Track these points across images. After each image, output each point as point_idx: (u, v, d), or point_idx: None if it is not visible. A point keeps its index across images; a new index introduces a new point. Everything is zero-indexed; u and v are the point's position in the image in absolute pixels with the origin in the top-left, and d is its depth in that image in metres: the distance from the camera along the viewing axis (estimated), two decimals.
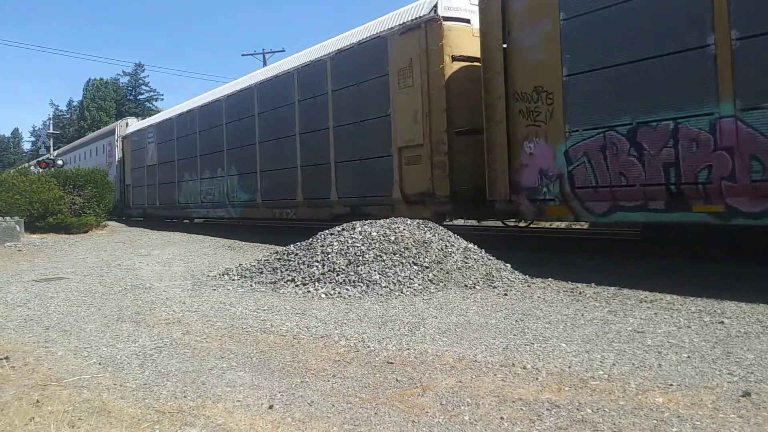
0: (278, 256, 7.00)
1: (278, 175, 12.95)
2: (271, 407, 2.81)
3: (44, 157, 31.81)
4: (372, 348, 3.79)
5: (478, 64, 8.11)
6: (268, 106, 13.34)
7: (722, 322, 4.13)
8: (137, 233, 16.49)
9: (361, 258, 6.22)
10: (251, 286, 6.31)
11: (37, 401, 2.94)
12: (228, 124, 15.22)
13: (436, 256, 6.27)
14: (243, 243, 12.10)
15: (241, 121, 14.45)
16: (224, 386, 3.12)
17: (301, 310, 5.09)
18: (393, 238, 6.52)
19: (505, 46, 7.49)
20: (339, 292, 5.69)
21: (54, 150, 42.20)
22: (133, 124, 24.42)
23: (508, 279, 6.11)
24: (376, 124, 9.89)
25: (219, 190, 15.74)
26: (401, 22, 9.31)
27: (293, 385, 3.10)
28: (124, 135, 24.24)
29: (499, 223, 10.50)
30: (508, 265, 6.53)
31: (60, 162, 26.83)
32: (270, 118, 13.29)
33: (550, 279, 6.13)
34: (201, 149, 16.84)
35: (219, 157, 15.70)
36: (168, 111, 21.44)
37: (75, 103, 73.74)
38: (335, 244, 6.63)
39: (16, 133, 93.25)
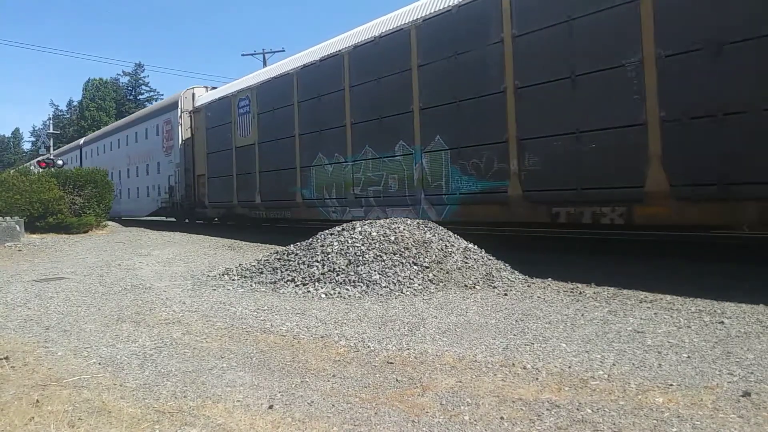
0: (278, 256, 7.00)
1: (577, 142, 7.05)
2: (271, 407, 2.80)
3: (44, 157, 30.78)
4: (372, 348, 3.79)
5: None
6: (541, 20, 7.46)
7: (722, 322, 4.13)
8: (137, 233, 16.49)
9: (361, 258, 6.22)
10: (251, 286, 6.31)
11: (37, 401, 2.94)
12: (424, 66, 9.28)
13: (436, 256, 6.27)
14: (243, 243, 12.10)
15: (460, 58, 8.62)
16: (224, 386, 3.12)
17: (301, 310, 5.09)
18: (393, 238, 6.52)
19: None
20: (339, 292, 5.69)
21: (83, 139, 36.25)
22: (206, 94, 18.15)
23: (508, 279, 6.11)
24: None
25: (399, 176, 9.81)
26: None
27: (293, 385, 3.10)
28: (194, 108, 18.04)
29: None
30: (508, 265, 6.53)
31: (60, 162, 26.19)
32: (549, 41, 7.36)
33: (550, 279, 6.13)
34: (355, 114, 10.84)
35: (400, 124, 9.72)
36: (278, 65, 14.52)
37: (75, 103, 73.81)
38: (335, 244, 6.63)
39: (16, 133, 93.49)
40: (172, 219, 21.67)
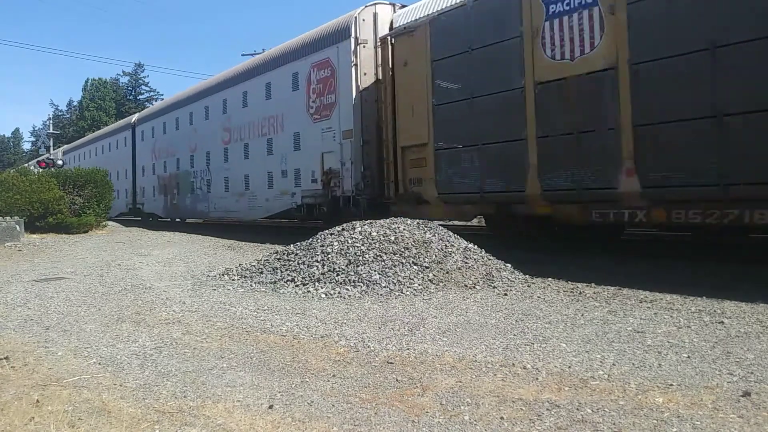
0: (278, 256, 7.00)
1: None
2: (271, 407, 2.80)
3: (44, 157, 30.50)
4: (372, 348, 3.79)
5: None
6: None
7: (722, 322, 4.13)
8: (137, 233, 16.49)
9: (361, 258, 6.21)
10: (251, 286, 6.31)
11: (37, 401, 2.94)
12: None
13: (436, 256, 6.27)
14: (243, 243, 12.10)
15: None
16: (224, 386, 3.12)
17: (301, 310, 5.09)
18: (393, 238, 6.52)
19: None
20: (339, 292, 5.69)
21: (135, 115, 25.81)
22: (413, 7, 10.63)
23: (508, 279, 6.11)
24: None
25: None
26: None
27: (293, 385, 3.10)
28: (396, 30, 10.66)
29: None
30: (508, 265, 6.53)
31: (60, 162, 25.98)
32: None
33: (550, 279, 6.13)
34: None
35: None
36: None
37: (75, 103, 73.79)
38: (335, 244, 6.63)
39: (16, 133, 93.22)
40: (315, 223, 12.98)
